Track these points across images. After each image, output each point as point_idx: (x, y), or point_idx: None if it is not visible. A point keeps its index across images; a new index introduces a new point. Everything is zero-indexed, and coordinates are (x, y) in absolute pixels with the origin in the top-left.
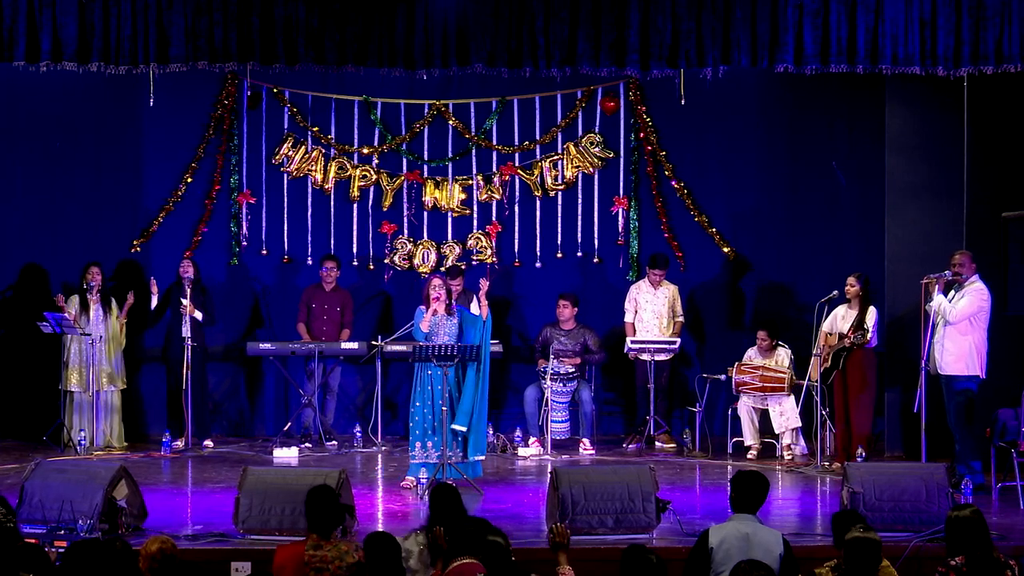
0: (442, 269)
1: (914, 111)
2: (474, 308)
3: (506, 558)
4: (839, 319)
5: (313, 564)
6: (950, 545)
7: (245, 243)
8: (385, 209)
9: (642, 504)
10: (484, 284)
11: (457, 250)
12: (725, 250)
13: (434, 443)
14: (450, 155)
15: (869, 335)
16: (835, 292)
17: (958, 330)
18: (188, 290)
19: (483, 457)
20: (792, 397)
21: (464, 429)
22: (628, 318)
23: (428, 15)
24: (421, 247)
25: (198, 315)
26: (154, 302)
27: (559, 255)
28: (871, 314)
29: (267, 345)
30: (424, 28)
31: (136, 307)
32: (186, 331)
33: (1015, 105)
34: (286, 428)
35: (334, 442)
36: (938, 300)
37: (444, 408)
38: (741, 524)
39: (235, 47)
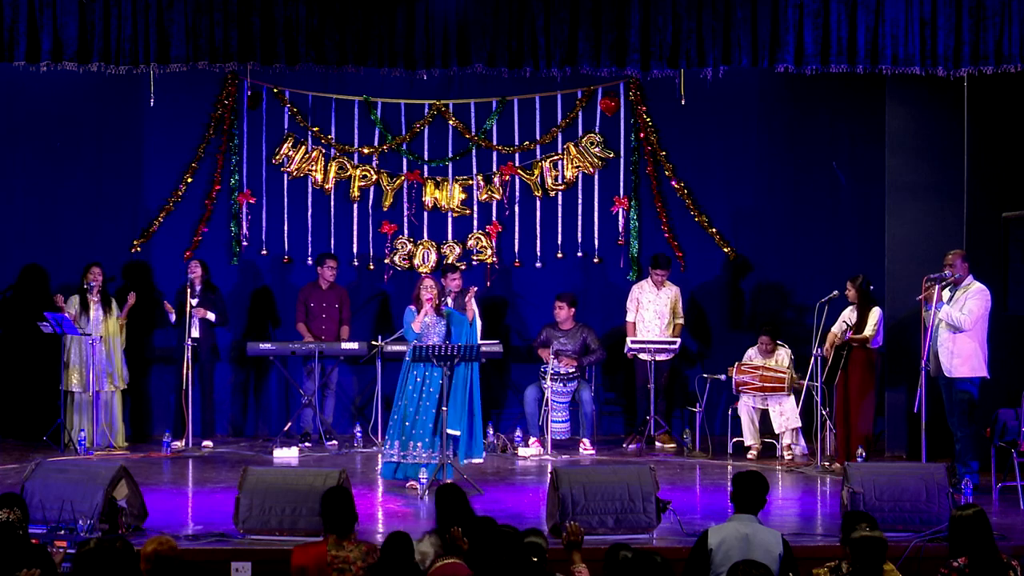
0: (440, 269)
1: (914, 111)
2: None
3: (543, 560)
4: (845, 321)
5: (336, 565)
6: (953, 545)
7: (245, 243)
8: (385, 209)
9: (642, 504)
10: (473, 290)
11: (457, 250)
12: (725, 250)
13: (422, 444)
14: (450, 155)
15: (868, 331)
16: (835, 292)
17: (968, 335)
18: (198, 290)
19: (480, 460)
20: (792, 397)
21: (458, 433)
22: (630, 317)
23: (428, 15)
24: (421, 247)
25: (210, 316)
26: (172, 319)
27: (559, 255)
28: (874, 314)
29: (267, 345)
30: (424, 28)
31: (141, 310)
32: (195, 332)
33: (1015, 105)
34: (286, 428)
35: (334, 442)
36: (946, 311)
37: (445, 408)
38: (741, 525)
39: (235, 47)
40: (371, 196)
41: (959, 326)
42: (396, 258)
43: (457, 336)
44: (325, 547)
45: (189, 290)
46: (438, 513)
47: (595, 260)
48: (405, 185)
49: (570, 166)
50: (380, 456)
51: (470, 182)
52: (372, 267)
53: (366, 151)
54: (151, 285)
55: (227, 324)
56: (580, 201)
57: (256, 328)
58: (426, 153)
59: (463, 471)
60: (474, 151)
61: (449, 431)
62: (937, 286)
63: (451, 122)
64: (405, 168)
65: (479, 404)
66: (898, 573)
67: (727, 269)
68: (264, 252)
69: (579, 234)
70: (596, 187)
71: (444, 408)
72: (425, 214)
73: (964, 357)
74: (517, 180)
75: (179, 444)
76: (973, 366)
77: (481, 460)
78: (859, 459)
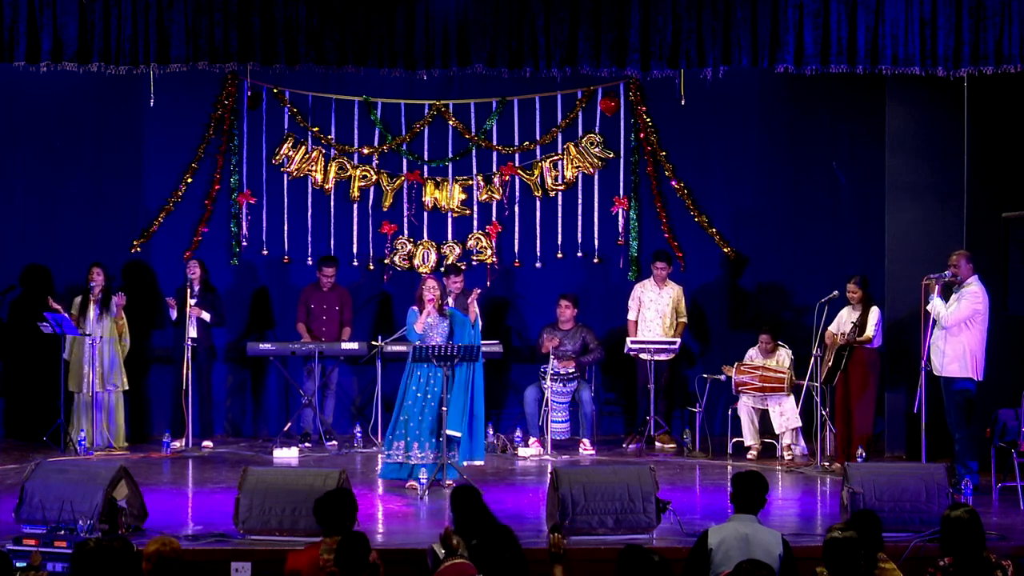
0: (441, 269)
1: (914, 111)
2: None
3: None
4: (843, 320)
5: (328, 568)
6: (944, 545)
7: (245, 243)
8: (385, 209)
9: (642, 504)
10: (476, 292)
11: (457, 250)
12: (725, 250)
13: (419, 444)
14: (450, 155)
15: (869, 332)
16: (835, 292)
17: (952, 332)
18: (197, 290)
19: (481, 462)
20: (792, 397)
21: (459, 434)
22: (631, 316)
23: (428, 15)
24: (421, 247)
25: (205, 316)
26: (174, 315)
27: (559, 255)
28: (874, 314)
29: (267, 345)
30: (424, 28)
31: (141, 311)
32: (192, 332)
33: (1015, 105)
34: (286, 428)
35: (334, 442)
36: (933, 304)
37: (444, 409)
38: (740, 525)
39: (235, 47)
40: (371, 196)
41: (941, 321)
42: (396, 258)
43: (460, 337)
44: (318, 551)
45: (188, 290)
46: (453, 514)
47: (595, 260)
48: (405, 185)
49: (570, 166)
50: (381, 456)
51: (470, 182)
52: (372, 267)
53: (366, 151)
54: (151, 285)
55: (223, 325)
56: (580, 201)
57: (256, 328)
58: (426, 153)
59: (463, 471)
60: (474, 151)
61: (449, 432)
62: (937, 285)
63: (451, 122)
64: (405, 168)
65: (481, 406)
66: (899, 572)
67: (727, 269)
68: (264, 252)
69: (579, 234)
70: (596, 187)
71: (444, 409)
72: (425, 214)
73: (952, 356)
74: (517, 180)
75: (179, 444)
76: (963, 366)
77: (482, 462)
78: (859, 459)
